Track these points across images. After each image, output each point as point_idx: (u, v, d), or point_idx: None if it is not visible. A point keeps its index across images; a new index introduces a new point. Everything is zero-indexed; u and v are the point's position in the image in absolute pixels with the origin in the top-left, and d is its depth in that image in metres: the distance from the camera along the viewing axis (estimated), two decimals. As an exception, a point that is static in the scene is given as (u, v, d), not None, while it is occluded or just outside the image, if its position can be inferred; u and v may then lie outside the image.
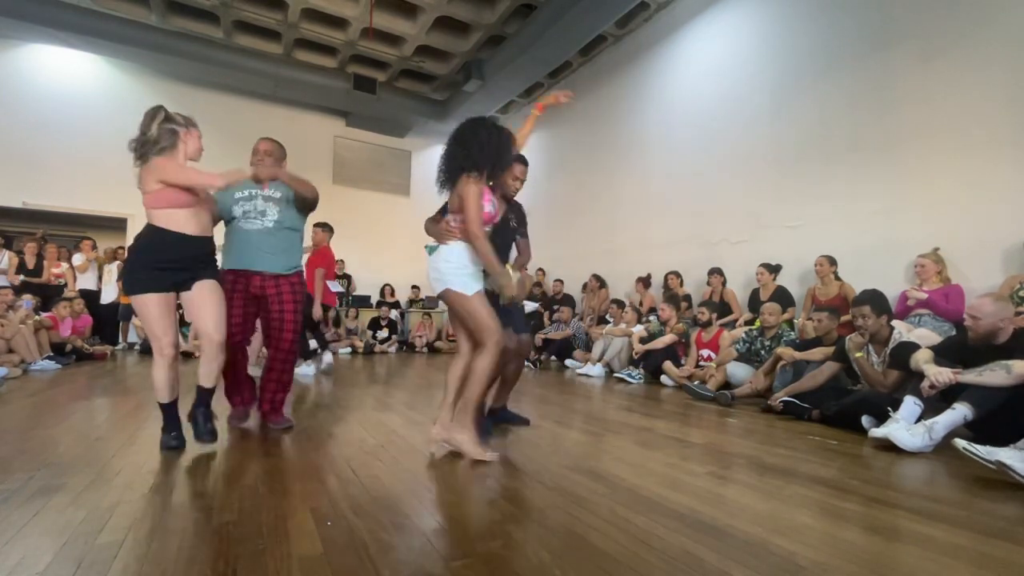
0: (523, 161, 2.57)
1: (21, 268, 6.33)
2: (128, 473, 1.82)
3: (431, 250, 2.22)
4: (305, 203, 2.60)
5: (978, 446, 1.93)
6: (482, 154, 2.12)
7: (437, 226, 2.24)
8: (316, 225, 5.12)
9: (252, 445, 2.26)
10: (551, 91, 8.69)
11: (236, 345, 2.56)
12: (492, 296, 2.32)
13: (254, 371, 2.90)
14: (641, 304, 5.93)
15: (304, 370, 4.79)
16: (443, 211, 2.34)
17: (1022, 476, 1.78)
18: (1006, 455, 1.86)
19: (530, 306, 7.01)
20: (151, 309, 2.10)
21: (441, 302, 2.31)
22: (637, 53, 7.03)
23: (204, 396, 2.22)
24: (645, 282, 6.13)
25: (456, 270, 2.14)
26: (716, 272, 5.30)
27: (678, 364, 4.68)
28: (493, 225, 2.38)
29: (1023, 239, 3.45)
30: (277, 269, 2.56)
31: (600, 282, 6.81)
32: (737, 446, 2.44)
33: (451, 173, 2.18)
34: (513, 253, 2.74)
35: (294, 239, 2.66)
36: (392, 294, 8.66)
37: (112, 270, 7.23)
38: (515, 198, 2.68)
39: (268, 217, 2.55)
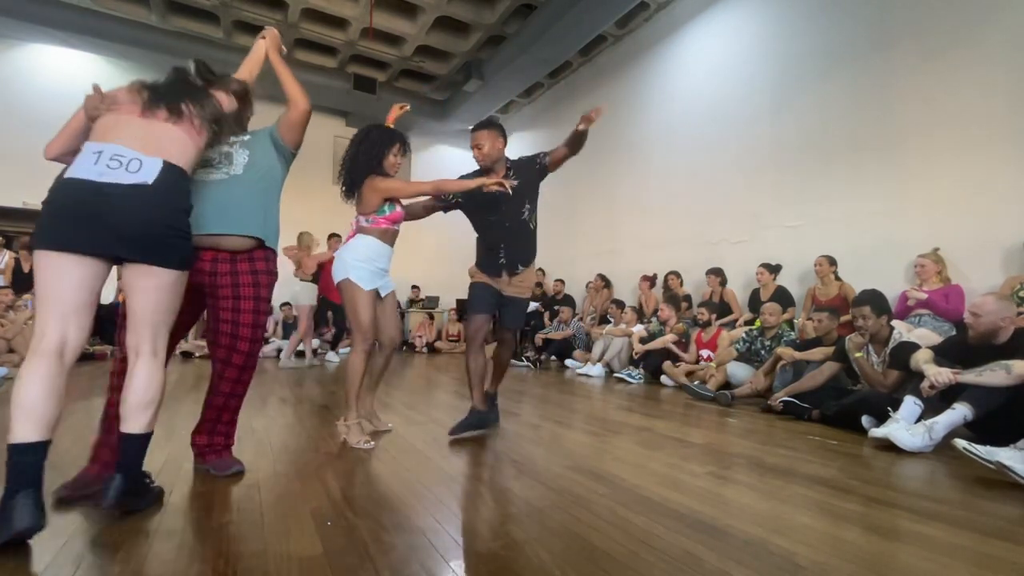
0: (480, 126, 2.50)
1: (17, 270, 6.32)
2: (128, 473, 1.82)
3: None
4: (292, 127, 1.94)
5: (978, 446, 1.93)
6: (357, 161, 2.38)
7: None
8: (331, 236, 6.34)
9: (252, 445, 2.25)
10: (551, 92, 8.71)
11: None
12: (487, 290, 2.57)
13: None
14: (646, 303, 5.94)
15: (331, 356, 6.15)
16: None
17: (1022, 477, 1.77)
18: (1006, 455, 1.85)
19: (530, 306, 7.01)
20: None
21: (465, 303, 2.58)
22: (637, 53, 7.03)
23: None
24: (651, 281, 6.13)
25: (358, 262, 2.32)
26: (716, 272, 5.30)
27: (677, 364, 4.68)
28: (498, 199, 2.45)
29: (1023, 239, 3.45)
30: (242, 230, 1.78)
31: (605, 281, 6.82)
32: (737, 446, 2.44)
33: (352, 184, 2.41)
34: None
35: (269, 192, 1.91)
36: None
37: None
38: (515, 157, 2.61)
39: (236, 163, 1.85)
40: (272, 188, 1.94)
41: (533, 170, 2.56)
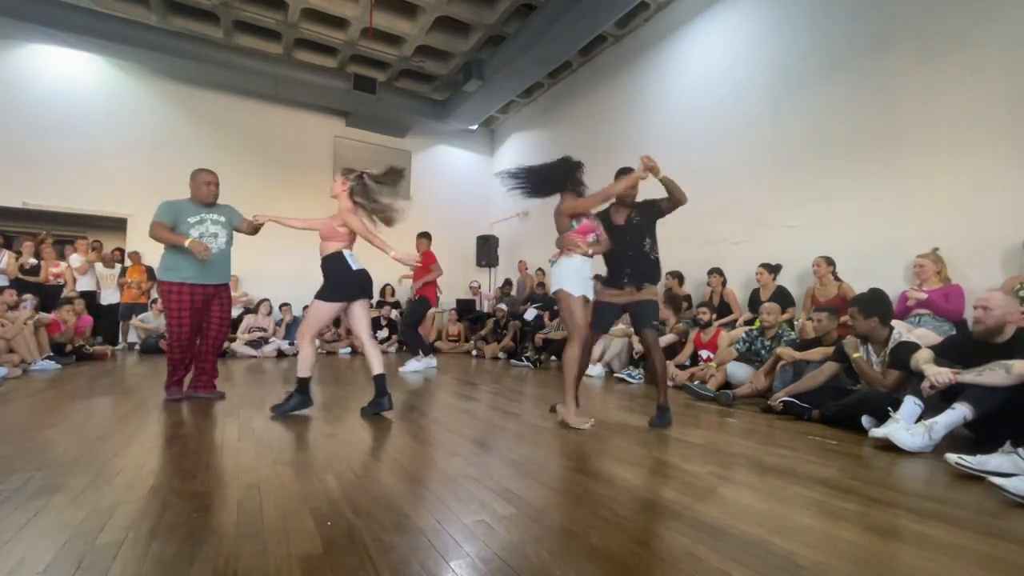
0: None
1: (19, 267, 6.33)
2: (128, 473, 1.83)
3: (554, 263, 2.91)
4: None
5: (968, 458, 1.93)
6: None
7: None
8: (419, 235, 5.85)
9: (252, 445, 2.26)
10: (551, 92, 8.71)
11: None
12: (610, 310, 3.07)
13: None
14: None
15: (413, 366, 5.28)
16: None
17: (1012, 493, 1.69)
18: (996, 463, 1.86)
19: (532, 312, 7.00)
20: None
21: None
22: (637, 53, 7.03)
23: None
24: None
25: (569, 275, 2.82)
26: (716, 272, 5.30)
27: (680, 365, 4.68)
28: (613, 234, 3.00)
29: (1023, 239, 3.45)
30: (226, 280, 3.41)
31: (602, 282, 6.80)
32: (737, 446, 2.44)
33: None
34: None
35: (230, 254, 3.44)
36: (392, 294, 8.66)
37: (114, 274, 7.22)
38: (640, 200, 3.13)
39: (220, 239, 3.28)
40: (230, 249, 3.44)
41: (653, 211, 3.05)
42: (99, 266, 7.19)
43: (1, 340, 4.64)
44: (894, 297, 3.68)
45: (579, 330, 2.81)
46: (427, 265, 5.49)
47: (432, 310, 5.94)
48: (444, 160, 10.40)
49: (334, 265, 2.93)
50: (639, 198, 3.12)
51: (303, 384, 2.92)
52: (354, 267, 2.95)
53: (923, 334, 3.25)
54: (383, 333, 7.95)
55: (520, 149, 9.86)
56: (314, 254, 3.10)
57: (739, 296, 5.22)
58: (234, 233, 3.42)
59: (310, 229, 3.12)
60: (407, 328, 5.70)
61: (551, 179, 2.92)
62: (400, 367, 5.32)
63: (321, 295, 2.91)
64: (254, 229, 3.37)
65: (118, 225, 7.87)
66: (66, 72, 7.43)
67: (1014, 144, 3.57)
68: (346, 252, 2.96)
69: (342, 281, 2.93)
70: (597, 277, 3.02)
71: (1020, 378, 2.16)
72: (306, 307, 7.22)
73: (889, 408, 2.52)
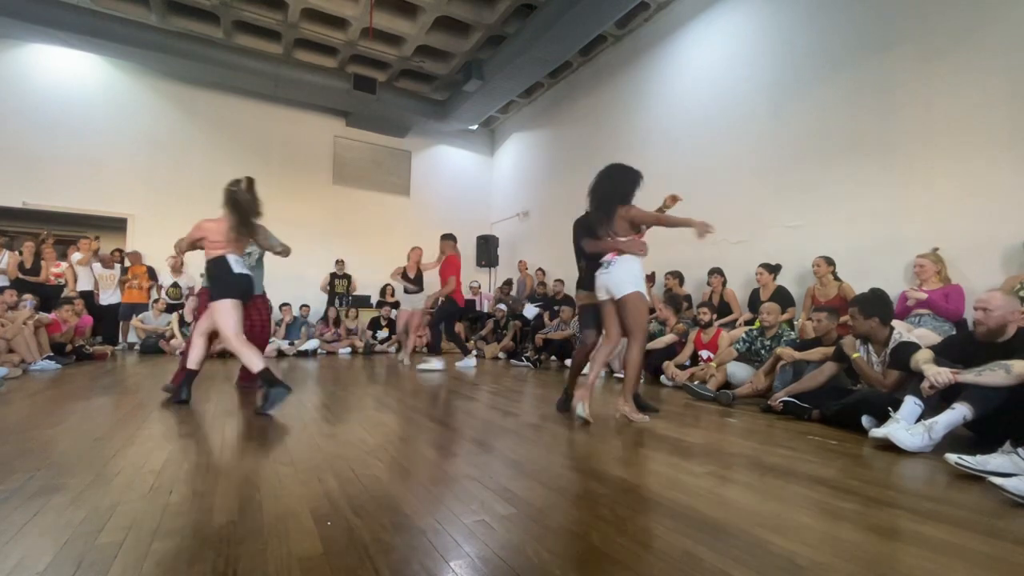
0: None
1: (19, 267, 6.33)
2: (128, 473, 1.82)
3: (608, 264, 3.04)
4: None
5: (968, 458, 1.93)
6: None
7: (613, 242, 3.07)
8: (442, 237, 5.81)
9: (252, 445, 2.26)
10: (551, 92, 8.71)
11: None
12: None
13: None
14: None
15: (467, 362, 5.75)
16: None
17: (1012, 493, 1.69)
18: (996, 463, 1.86)
19: (531, 310, 7.00)
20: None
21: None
22: (637, 53, 7.03)
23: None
24: (651, 279, 6.13)
25: (641, 276, 3.04)
26: (716, 272, 5.30)
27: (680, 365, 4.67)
28: None
29: (1023, 239, 3.45)
30: (259, 291, 3.93)
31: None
32: (737, 446, 2.44)
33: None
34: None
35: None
36: (392, 294, 8.65)
37: (114, 275, 7.21)
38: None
39: (252, 257, 3.84)
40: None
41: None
42: (97, 267, 7.19)
43: (1, 340, 4.64)
44: (894, 297, 3.68)
45: (644, 332, 2.95)
46: (446, 274, 5.55)
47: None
48: (444, 160, 10.40)
49: (217, 268, 3.14)
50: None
51: (265, 375, 2.97)
52: (235, 270, 3.15)
53: (923, 334, 3.25)
54: (383, 333, 7.96)
55: (520, 149, 9.86)
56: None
57: (739, 296, 5.22)
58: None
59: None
60: (436, 326, 5.89)
61: (628, 190, 3.24)
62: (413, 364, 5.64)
63: (214, 296, 3.11)
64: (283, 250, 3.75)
65: (118, 225, 7.87)
66: (66, 72, 7.44)
67: (1014, 144, 3.57)
68: (229, 257, 3.15)
69: (227, 282, 3.12)
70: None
71: (1020, 378, 2.16)
72: (284, 305, 7.31)
73: (889, 408, 2.52)
